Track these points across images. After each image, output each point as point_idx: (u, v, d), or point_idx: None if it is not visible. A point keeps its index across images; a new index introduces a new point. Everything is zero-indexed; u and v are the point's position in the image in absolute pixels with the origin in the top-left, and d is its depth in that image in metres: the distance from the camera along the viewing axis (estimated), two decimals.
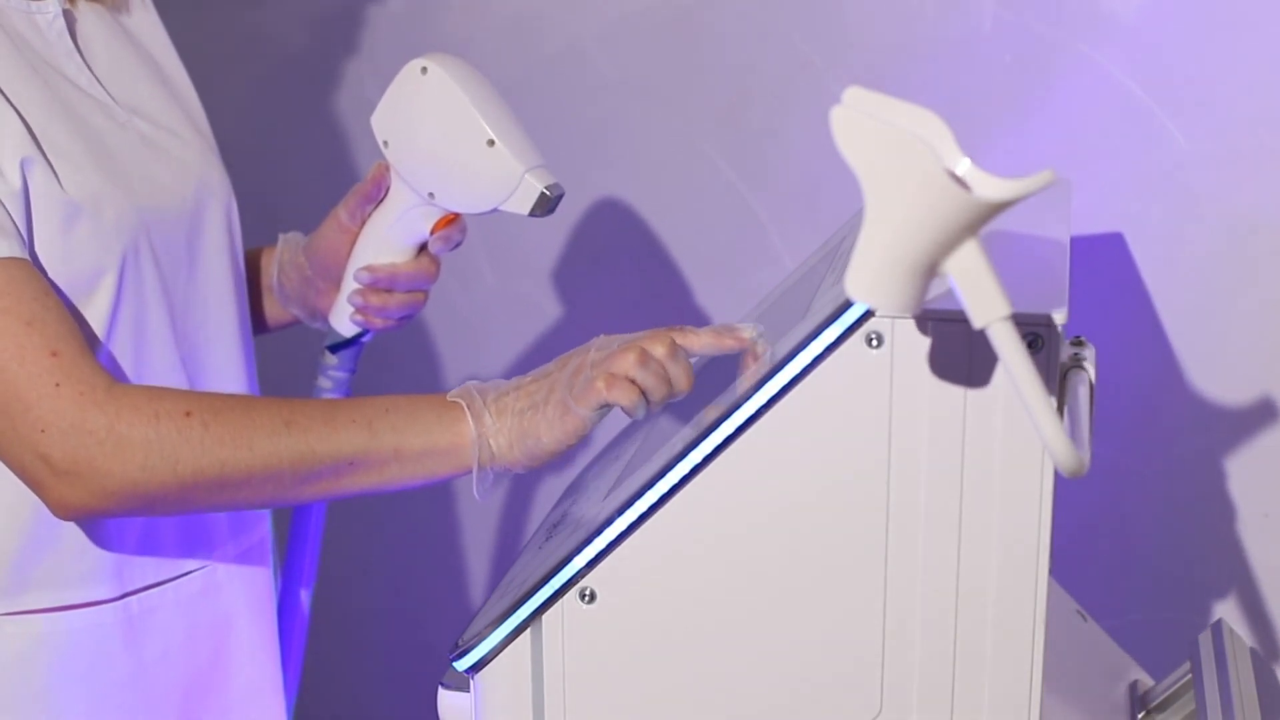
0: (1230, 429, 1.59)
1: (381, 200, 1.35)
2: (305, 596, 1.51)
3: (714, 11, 1.82)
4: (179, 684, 1.34)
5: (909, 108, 0.90)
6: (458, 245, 1.35)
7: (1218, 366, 1.59)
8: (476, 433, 1.16)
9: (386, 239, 1.35)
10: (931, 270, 0.91)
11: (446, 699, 1.15)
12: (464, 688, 1.14)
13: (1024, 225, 1.17)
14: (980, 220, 0.89)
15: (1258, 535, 1.59)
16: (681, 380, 1.13)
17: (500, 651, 1.12)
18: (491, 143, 1.26)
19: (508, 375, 1.21)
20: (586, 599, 1.10)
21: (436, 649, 2.24)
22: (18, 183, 1.17)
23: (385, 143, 1.32)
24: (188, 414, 1.14)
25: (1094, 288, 1.63)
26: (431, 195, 1.31)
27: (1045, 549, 1.03)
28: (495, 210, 1.29)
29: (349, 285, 1.38)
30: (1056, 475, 1.02)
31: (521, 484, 2.06)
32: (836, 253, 1.24)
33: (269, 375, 1.47)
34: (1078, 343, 1.13)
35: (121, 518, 1.25)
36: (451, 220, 1.33)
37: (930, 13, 1.69)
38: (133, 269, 1.24)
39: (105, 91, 1.28)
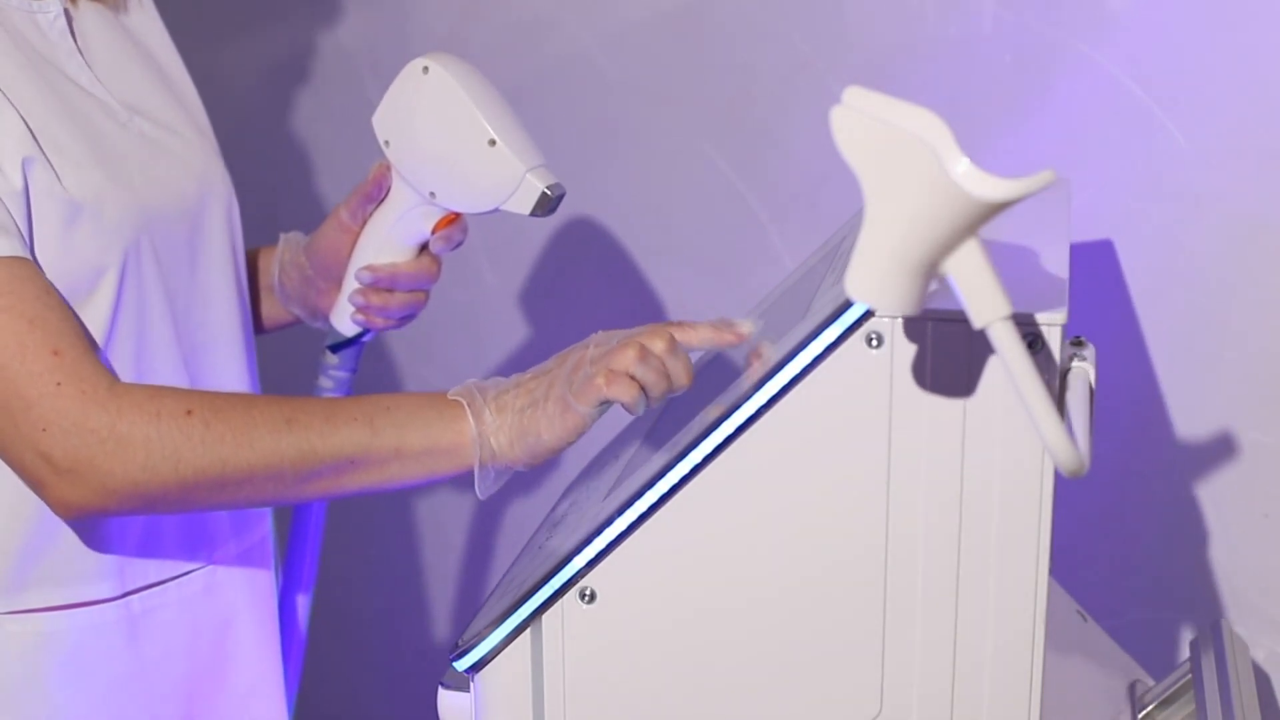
0: (1230, 429, 1.59)
1: (383, 200, 1.35)
2: (305, 596, 1.51)
3: (714, 11, 1.82)
4: (180, 683, 1.34)
5: (909, 108, 0.91)
6: (459, 245, 1.35)
7: (1218, 366, 1.59)
8: (477, 431, 1.15)
9: (388, 239, 1.35)
10: (931, 270, 0.91)
11: (446, 699, 1.15)
12: (464, 688, 1.14)
13: (1024, 225, 1.17)
14: (980, 220, 0.89)
15: (1258, 535, 1.59)
16: (681, 375, 1.13)
17: (500, 651, 1.12)
18: (493, 142, 1.26)
19: (507, 375, 1.21)
20: (586, 599, 1.10)
21: (436, 649, 2.25)
22: (19, 182, 1.17)
23: (386, 142, 1.32)
24: (189, 413, 1.14)
25: (1094, 288, 1.63)
26: (432, 195, 1.31)
27: (1045, 549, 1.03)
28: (496, 210, 1.29)
29: (350, 285, 1.38)
30: (1056, 475, 1.02)
31: (521, 484, 2.06)
32: (836, 253, 1.24)
33: (269, 375, 1.47)
34: (1078, 343, 1.13)
35: (122, 517, 1.25)
36: (453, 220, 1.33)
37: (930, 13, 1.69)
38: (134, 268, 1.24)
39: (106, 91, 1.28)
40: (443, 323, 2.10)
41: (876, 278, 0.92)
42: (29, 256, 1.16)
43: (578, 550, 1.09)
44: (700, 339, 1.14)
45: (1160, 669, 1.37)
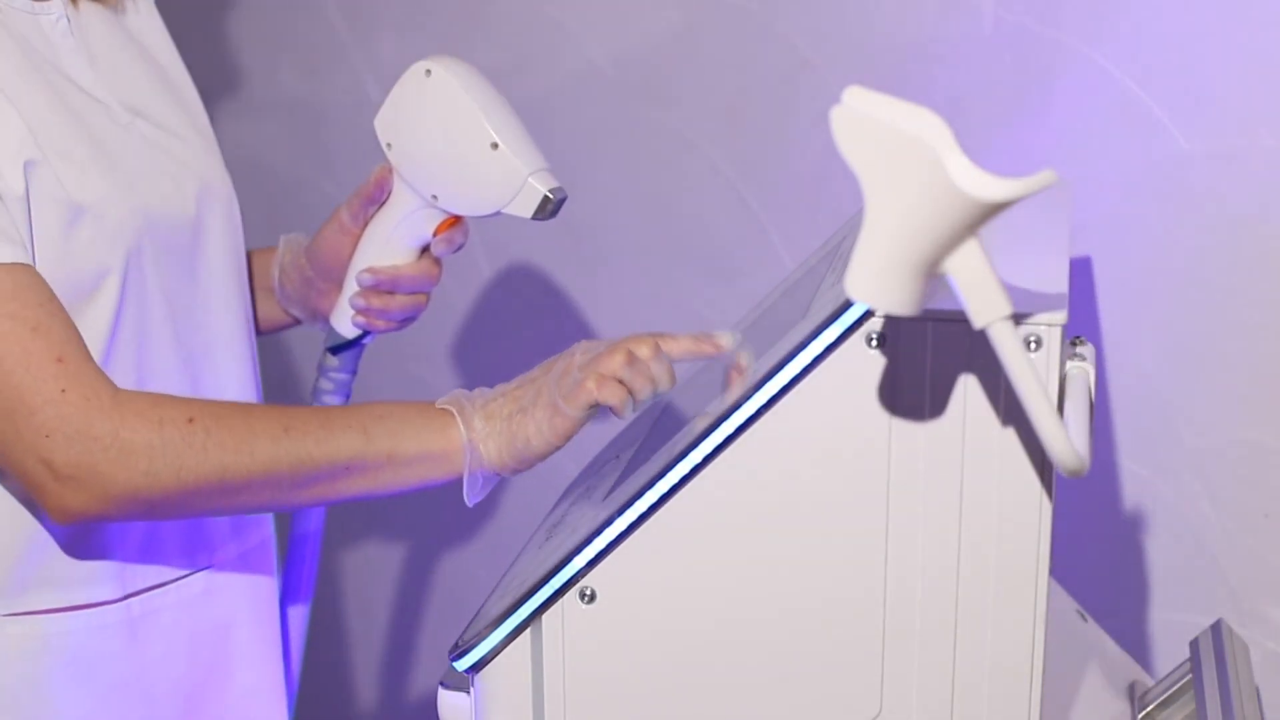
0: (1230, 429, 1.59)
1: (384, 202, 1.35)
2: (306, 597, 1.51)
3: (714, 11, 1.82)
4: (180, 685, 1.34)
5: (909, 108, 0.91)
6: (460, 248, 1.35)
7: (1217, 366, 1.59)
8: (467, 437, 1.17)
9: (389, 241, 1.35)
10: (931, 270, 0.91)
11: (446, 699, 1.15)
12: (464, 688, 1.14)
13: (1024, 225, 1.17)
14: (980, 220, 0.89)
15: (1258, 535, 1.59)
16: (664, 380, 1.15)
17: (500, 651, 1.12)
18: (495, 145, 1.26)
19: (507, 376, 1.21)
20: (586, 599, 1.10)
21: (436, 649, 2.25)
22: (20, 186, 1.17)
23: (388, 145, 1.32)
24: (190, 420, 1.14)
25: (1094, 288, 1.63)
26: (434, 198, 1.31)
27: (1045, 549, 1.03)
28: (498, 213, 1.29)
29: (350, 287, 1.38)
30: (1056, 475, 1.02)
31: (521, 484, 2.06)
32: (836, 253, 1.24)
33: (269, 376, 1.47)
34: (1078, 342, 1.13)
35: (120, 523, 1.25)
36: (454, 223, 1.34)
37: (930, 13, 1.69)
38: (135, 270, 1.24)
39: (108, 93, 1.28)
40: (443, 323, 2.10)
41: (876, 278, 0.92)
42: (32, 263, 1.17)
43: (578, 550, 1.09)
44: (681, 349, 1.16)
45: (1160, 669, 1.37)
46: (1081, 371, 1.08)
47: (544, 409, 1.16)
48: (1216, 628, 1.33)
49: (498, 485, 1.20)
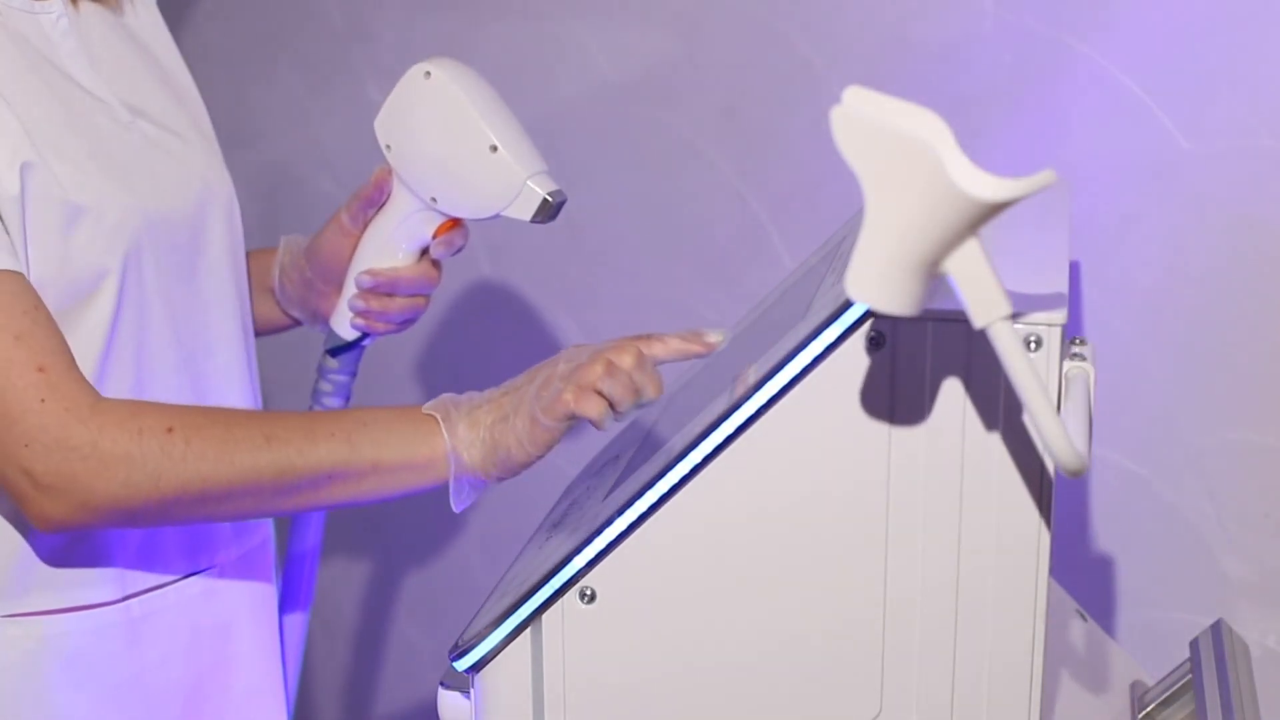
0: (1230, 429, 1.59)
1: (383, 204, 1.35)
2: (306, 599, 1.51)
3: (714, 11, 1.82)
4: (180, 686, 1.34)
5: (909, 108, 0.91)
6: (460, 250, 1.35)
7: (1217, 366, 1.59)
8: (451, 445, 1.16)
9: (388, 243, 1.35)
10: (931, 270, 0.91)
11: (446, 699, 1.15)
12: (464, 688, 1.14)
13: (1024, 225, 1.17)
14: (980, 220, 0.89)
15: (1258, 535, 1.59)
16: (649, 389, 1.13)
17: (500, 651, 1.12)
18: (494, 148, 1.26)
19: (507, 377, 1.21)
20: (586, 599, 1.10)
21: (436, 649, 2.24)
22: (15, 189, 1.17)
23: (388, 147, 1.32)
24: (169, 430, 1.14)
25: (1094, 287, 1.63)
26: (433, 200, 1.31)
27: (1045, 549, 1.03)
28: (497, 216, 1.29)
29: (350, 289, 1.38)
30: (1056, 475, 1.02)
31: (521, 484, 2.06)
32: (836, 253, 1.24)
33: (269, 378, 1.47)
34: (1077, 342, 1.13)
35: (102, 530, 1.25)
36: (454, 225, 1.33)
37: (930, 13, 1.69)
38: (135, 271, 1.24)
39: (108, 92, 1.28)
40: (442, 323, 2.10)
41: (876, 278, 0.92)
42: (20, 269, 1.16)
43: (578, 550, 1.09)
44: (669, 350, 1.15)
45: (1160, 669, 1.37)
46: (1081, 371, 1.08)
47: (524, 419, 1.15)
48: (1216, 628, 1.33)
49: (497, 485, 1.20)
